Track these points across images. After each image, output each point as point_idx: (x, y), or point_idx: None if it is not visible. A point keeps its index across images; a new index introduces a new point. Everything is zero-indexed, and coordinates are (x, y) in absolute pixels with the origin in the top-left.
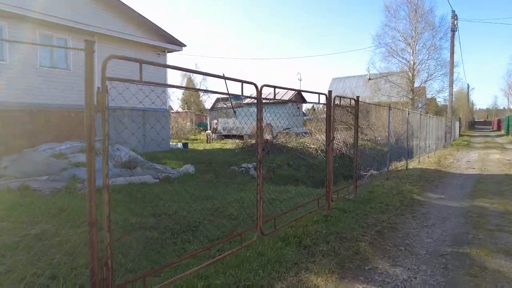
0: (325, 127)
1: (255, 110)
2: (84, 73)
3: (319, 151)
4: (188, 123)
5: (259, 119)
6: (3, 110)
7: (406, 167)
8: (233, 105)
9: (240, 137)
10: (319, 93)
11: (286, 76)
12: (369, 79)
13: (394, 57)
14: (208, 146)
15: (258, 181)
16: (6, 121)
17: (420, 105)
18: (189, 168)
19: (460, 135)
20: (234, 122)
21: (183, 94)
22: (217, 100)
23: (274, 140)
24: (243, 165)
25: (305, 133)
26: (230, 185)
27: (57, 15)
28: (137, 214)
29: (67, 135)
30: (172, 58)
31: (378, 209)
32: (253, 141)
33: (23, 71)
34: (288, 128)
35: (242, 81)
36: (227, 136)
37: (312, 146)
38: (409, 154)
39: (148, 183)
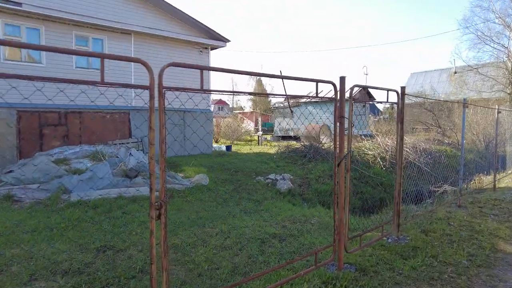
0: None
1: (313, 109)
2: None
3: (379, 159)
4: (247, 124)
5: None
6: (37, 111)
7: (494, 186)
8: (290, 104)
9: (297, 138)
10: (387, 89)
11: (350, 70)
12: (455, 72)
13: (487, 44)
14: (256, 149)
15: None
16: (39, 122)
17: None
18: (203, 178)
19: None
20: (289, 123)
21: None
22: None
23: (320, 145)
24: (270, 176)
25: (368, 135)
26: (244, 202)
27: (93, 15)
28: (82, 246)
29: (94, 137)
30: (217, 55)
31: (424, 273)
32: (297, 145)
33: (59, 74)
34: (347, 129)
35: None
36: (284, 138)
37: (370, 152)
38: (501, 165)
39: (143, 196)
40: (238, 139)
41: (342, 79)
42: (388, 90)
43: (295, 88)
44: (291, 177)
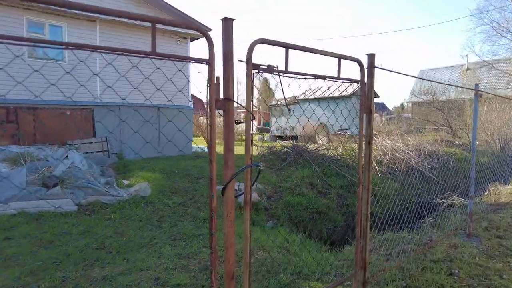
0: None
1: (312, 106)
2: None
3: (374, 163)
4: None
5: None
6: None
7: None
8: (287, 101)
9: (295, 138)
10: (340, 57)
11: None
12: (467, 69)
13: (504, 36)
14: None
15: None
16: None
17: None
18: (144, 188)
19: None
20: (286, 122)
21: (259, 93)
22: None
23: (305, 146)
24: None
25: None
26: (183, 223)
27: None
28: None
29: (51, 137)
30: (197, 46)
31: None
32: (280, 146)
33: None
34: (344, 129)
35: (340, 56)
36: (281, 137)
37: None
38: None
39: (49, 213)
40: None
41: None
42: (340, 57)
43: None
44: (260, 186)
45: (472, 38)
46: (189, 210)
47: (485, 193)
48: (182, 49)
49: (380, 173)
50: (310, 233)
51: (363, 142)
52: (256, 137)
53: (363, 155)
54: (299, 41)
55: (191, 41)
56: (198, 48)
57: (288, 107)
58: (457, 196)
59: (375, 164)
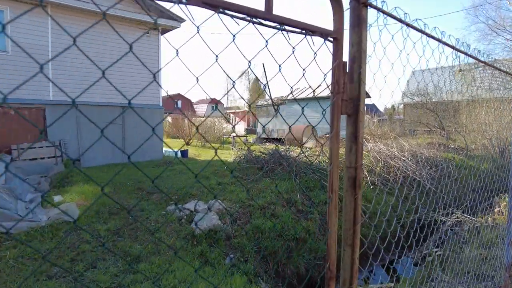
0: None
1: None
2: None
3: (365, 172)
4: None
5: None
6: None
7: None
8: (273, 101)
9: (279, 140)
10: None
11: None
12: (460, 70)
13: (499, 35)
14: (223, 155)
15: None
16: None
17: None
18: (70, 210)
19: None
20: (273, 123)
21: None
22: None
23: (287, 152)
24: (188, 205)
25: None
26: (102, 265)
27: None
28: None
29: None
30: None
31: None
32: (258, 152)
33: None
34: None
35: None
36: (268, 140)
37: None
38: None
39: None
40: (216, 141)
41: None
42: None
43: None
44: (224, 206)
45: (467, 37)
46: (122, 242)
47: (496, 210)
48: (152, 43)
49: (371, 185)
50: (284, 270)
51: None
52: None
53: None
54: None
55: (162, 34)
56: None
57: (275, 107)
58: (462, 212)
59: (366, 174)
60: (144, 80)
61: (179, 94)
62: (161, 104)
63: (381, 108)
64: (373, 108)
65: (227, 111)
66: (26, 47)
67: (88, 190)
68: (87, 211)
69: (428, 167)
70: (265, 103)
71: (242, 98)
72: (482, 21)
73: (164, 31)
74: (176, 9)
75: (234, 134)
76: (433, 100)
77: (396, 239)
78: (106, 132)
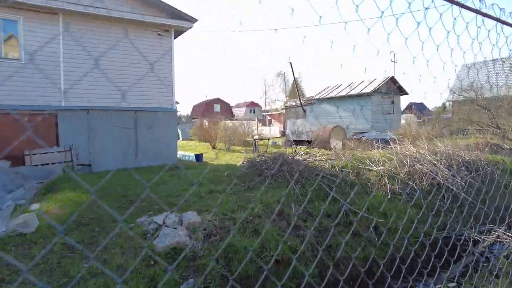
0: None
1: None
2: None
3: (385, 179)
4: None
5: None
6: None
7: None
8: (302, 102)
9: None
10: None
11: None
12: None
13: None
14: (239, 158)
15: None
16: None
17: None
18: (28, 221)
19: None
20: (302, 124)
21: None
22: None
23: (296, 157)
24: (157, 218)
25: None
26: None
27: None
28: None
29: (5, 147)
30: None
31: None
32: (264, 156)
33: None
34: (363, 132)
35: None
36: (297, 142)
37: (375, 168)
38: None
39: None
40: (238, 143)
41: None
42: None
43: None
44: (199, 219)
45: None
46: (69, 260)
47: None
48: (165, 44)
49: (390, 193)
50: None
51: None
52: (269, 142)
53: None
54: (297, 27)
55: (175, 38)
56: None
57: (303, 108)
58: (506, 230)
59: (386, 181)
60: (156, 83)
61: (218, 99)
62: (174, 107)
63: (431, 107)
64: (420, 107)
65: (264, 113)
66: (38, 54)
67: (68, 198)
68: (52, 222)
69: (467, 172)
70: (294, 103)
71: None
72: None
73: (178, 32)
74: (188, 8)
75: (256, 137)
76: (485, 95)
77: (407, 263)
78: (118, 136)
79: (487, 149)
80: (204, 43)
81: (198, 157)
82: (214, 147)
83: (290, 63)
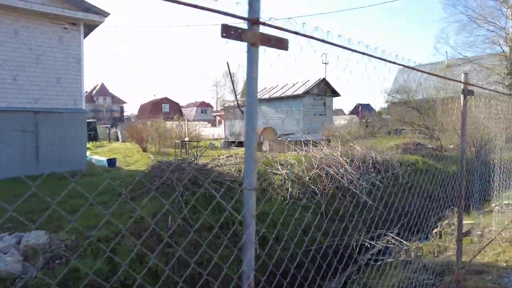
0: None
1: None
2: None
3: (289, 183)
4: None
5: None
6: None
7: (458, 257)
8: (239, 102)
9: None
10: None
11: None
12: (447, 66)
13: (480, 26)
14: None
15: None
16: None
17: None
18: None
19: None
20: (240, 126)
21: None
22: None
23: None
24: None
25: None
26: None
27: None
28: None
29: None
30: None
31: None
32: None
33: None
34: (288, 134)
35: None
36: (236, 143)
37: (280, 172)
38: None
39: None
40: (172, 146)
41: None
42: None
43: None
44: (44, 240)
45: (447, 29)
46: None
47: (435, 230)
48: (73, 39)
49: (290, 198)
50: None
51: None
52: (207, 143)
53: None
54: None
55: (88, 33)
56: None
57: (241, 109)
58: (397, 234)
59: (288, 185)
60: (63, 81)
61: (166, 98)
62: (84, 107)
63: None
64: (368, 108)
65: (215, 113)
66: None
67: None
68: None
69: (374, 174)
70: (232, 104)
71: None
72: (461, 11)
73: (88, 27)
74: (100, 2)
75: (187, 139)
76: (417, 97)
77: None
78: (13, 140)
79: (414, 147)
80: (149, 40)
81: (111, 162)
82: (145, 150)
83: (227, 62)
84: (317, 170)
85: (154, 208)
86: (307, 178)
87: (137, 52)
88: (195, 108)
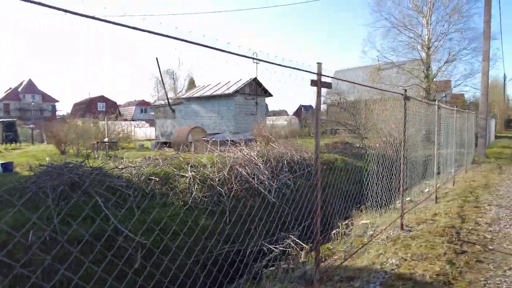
0: None
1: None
2: None
3: (195, 185)
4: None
5: None
6: None
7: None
8: (169, 101)
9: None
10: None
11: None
12: (379, 69)
13: (402, 33)
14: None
15: None
16: None
17: (444, 100)
18: None
19: (496, 137)
20: (172, 125)
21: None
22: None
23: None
24: None
25: (248, 140)
26: None
27: None
28: None
29: None
30: None
31: None
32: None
33: None
34: (215, 133)
35: None
36: (167, 144)
37: (188, 174)
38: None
39: None
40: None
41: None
42: None
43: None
44: None
45: (374, 33)
46: None
47: (334, 231)
48: None
49: (192, 203)
50: None
51: None
52: (135, 144)
53: None
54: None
55: None
56: None
57: (172, 108)
58: (299, 235)
59: (193, 189)
60: None
61: (102, 96)
62: None
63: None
64: (310, 108)
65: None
66: None
67: None
68: None
69: (286, 174)
70: (163, 102)
71: None
72: (385, 17)
73: None
74: None
75: (106, 139)
76: (349, 99)
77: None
78: None
79: (341, 146)
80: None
81: (6, 166)
82: (63, 152)
83: (156, 58)
84: (226, 172)
85: (14, 221)
86: (217, 180)
87: (68, 47)
88: (134, 107)
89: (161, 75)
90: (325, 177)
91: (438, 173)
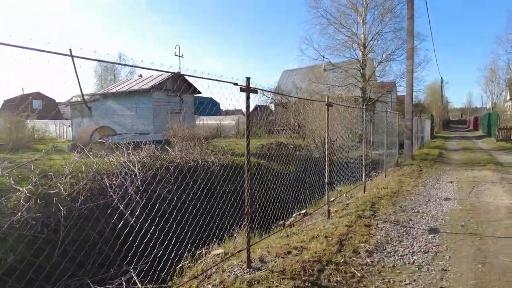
0: None
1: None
2: None
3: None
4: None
5: None
6: None
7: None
8: (85, 98)
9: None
10: None
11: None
12: (324, 69)
13: (339, 31)
14: None
15: None
16: None
17: (389, 103)
18: None
19: (433, 137)
20: (90, 124)
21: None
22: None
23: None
24: None
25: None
26: None
27: None
28: None
29: None
30: None
31: None
32: None
33: None
34: (119, 134)
35: None
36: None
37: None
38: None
39: None
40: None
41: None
42: None
43: None
44: None
45: (311, 31)
46: None
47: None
48: None
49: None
50: None
51: None
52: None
53: None
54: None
55: None
56: None
57: (88, 105)
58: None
59: (20, 209)
60: None
61: (38, 93)
62: None
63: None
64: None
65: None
66: None
67: None
68: None
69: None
70: (79, 99)
71: None
72: (321, 14)
73: None
74: None
75: None
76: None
77: None
78: None
79: (274, 148)
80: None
81: None
82: None
83: (70, 49)
84: (82, 184)
85: None
86: (66, 194)
87: None
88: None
89: (76, 73)
90: (222, 184)
91: (331, 183)
